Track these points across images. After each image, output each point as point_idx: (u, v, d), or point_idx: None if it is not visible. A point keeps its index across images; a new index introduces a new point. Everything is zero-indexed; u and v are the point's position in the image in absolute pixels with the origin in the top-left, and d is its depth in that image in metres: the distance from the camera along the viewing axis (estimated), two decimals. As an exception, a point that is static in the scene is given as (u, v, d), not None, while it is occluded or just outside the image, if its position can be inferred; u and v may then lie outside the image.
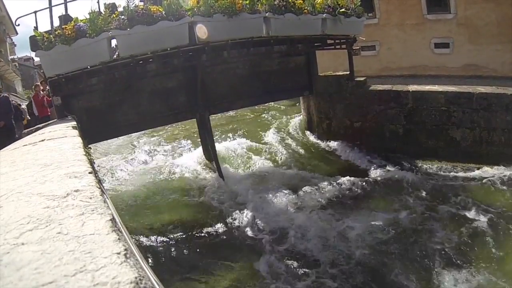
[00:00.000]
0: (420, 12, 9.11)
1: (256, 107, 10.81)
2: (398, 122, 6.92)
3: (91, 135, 5.17)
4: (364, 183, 6.03)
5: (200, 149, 7.40)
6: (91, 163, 2.23)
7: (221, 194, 5.97)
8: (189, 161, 7.38)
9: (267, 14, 5.46)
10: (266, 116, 10.83)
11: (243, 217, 5.27)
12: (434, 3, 8.93)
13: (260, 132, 9.25)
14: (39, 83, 7.92)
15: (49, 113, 7.14)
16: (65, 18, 4.89)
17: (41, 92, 7.45)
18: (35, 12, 4.98)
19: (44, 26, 4.90)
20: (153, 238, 4.91)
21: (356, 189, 5.90)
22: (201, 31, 4.96)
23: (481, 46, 8.48)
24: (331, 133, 7.80)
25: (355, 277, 3.95)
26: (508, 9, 7.97)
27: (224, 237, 4.94)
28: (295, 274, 4.06)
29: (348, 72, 7.43)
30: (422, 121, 6.68)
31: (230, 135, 8.96)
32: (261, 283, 3.97)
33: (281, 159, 7.47)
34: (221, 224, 5.19)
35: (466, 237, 4.43)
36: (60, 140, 2.91)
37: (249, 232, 4.98)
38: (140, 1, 5.67)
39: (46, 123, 4.93)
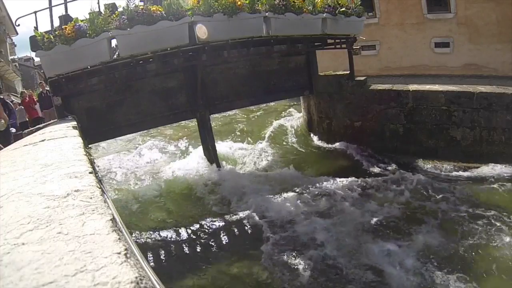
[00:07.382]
0: (420, 12, 9.11)
1: (256, 106, 10.80)
2: (398, 122, 6.92)
3: (91, 135, 5.18)
4: (364, 183, 6.03)
5: (200, 149, 7.40)
6: (92, 163, 2.22)
7: (221, 194, 5.98)
8: (190, 160, 7.38)
9: (267, 14, 5.45)
10: (266, 116, 10.81)
11: (243, 216, 5.27)
12: (434, 3, 8.94)
13: (260, 132, 9.24)
14: (24, 91, 9.69)
15: (39, 115, 8.48)
16: (65, 18, 4.90)
17: (27, 97, 8.81)
18: (35, 12, 4.98)
19: (44, 26, 4.93)
20: (153, 237, 4.91)
21: (355, 189, 5.90)
22: (201, 30, 4.96)
23: (481, 46, 8.48)
24: (332, 132, 7.80)
25: (355, 275, 3.94)
26: (508, 9, 7.97)
27: (225, 236, 4.95)
28: (296, 273, 4.06)
29: (348, 72, 7.42)
30: (422, 120, 6.68)
31: (231, 135, 8.95)
32: (262, 282, 3.98)
33: (281, 158, 7.47)
34: (222, 223, 5.20)
35: (467, 236, 4.43)
36: (60, 140, 2.90)
37: (249, 231, 4.99)
38: (140, 1, 5.66)
39: (46, 123, 4.95)
